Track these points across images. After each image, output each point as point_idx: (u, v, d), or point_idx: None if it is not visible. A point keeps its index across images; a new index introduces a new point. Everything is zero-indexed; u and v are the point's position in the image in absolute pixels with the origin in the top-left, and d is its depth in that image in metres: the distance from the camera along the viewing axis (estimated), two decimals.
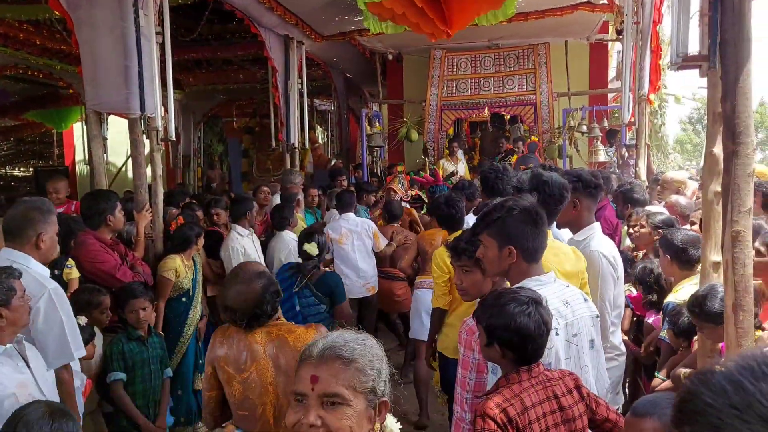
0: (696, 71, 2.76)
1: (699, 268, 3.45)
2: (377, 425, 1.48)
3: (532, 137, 9.53)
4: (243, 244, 5.07)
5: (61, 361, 2.85)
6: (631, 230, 4.36)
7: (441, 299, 3.91)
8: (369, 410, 1.46)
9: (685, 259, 3.37)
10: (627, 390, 4.08)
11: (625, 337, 3.69)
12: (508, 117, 10.55)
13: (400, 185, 6.87)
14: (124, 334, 3.76)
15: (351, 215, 6.06)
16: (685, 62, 2.71)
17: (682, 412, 0.75)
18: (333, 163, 11.14)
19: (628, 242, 4.73)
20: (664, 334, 3.28)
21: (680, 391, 0.79)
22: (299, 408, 1.44)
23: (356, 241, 5.87)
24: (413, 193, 7.33)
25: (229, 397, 2.56)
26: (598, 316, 2.38)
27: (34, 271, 2.89)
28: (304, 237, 4.46)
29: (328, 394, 1.42)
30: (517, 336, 1.93)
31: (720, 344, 2.60)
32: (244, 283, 2.51)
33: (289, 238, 5.52)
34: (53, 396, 2.55)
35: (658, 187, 5.87)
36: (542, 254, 2.32)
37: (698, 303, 2.66)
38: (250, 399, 2.50)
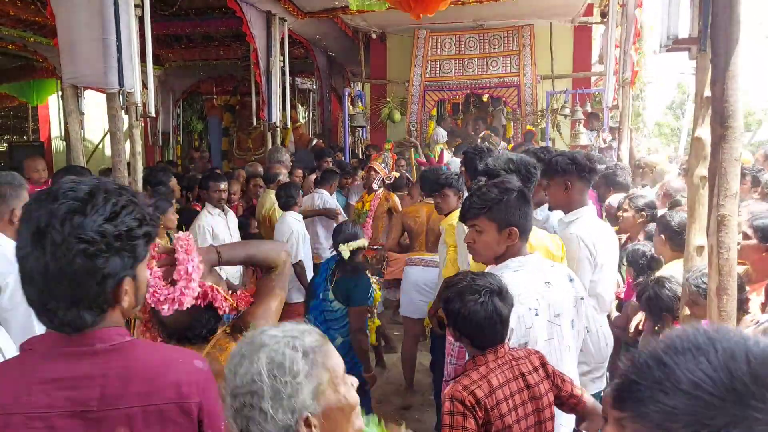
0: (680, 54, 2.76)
1: None
2: None
3: (528, 126, 9.51)
4: (211, 223, 4.93)
5: None
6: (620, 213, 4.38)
7: (451, 269, 3.86)
8: None
9: (678, 242, 3.40)
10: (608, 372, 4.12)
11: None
12: (489, 99, 10.52)
13: (383, 165, 6.81)
14: None
15: (324, 193, 6.35)
16: (675, 44, 2.69)
17: (616, 391, 0.81)
18: (314, 142, 11.02)
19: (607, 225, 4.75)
20: None
21: (616, 374, 0.86)
22: None
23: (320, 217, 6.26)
24: (396, 174, 7.28)
25: None
26: (582, 298, 2.38)
27: (4, 247, 2.79)
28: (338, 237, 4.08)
29: None
30: (468, 323, 1.96)
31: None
32: None
33: (292, 219, 5.26)
34: None
35: (641, 170, 5.91)
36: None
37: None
38: None
